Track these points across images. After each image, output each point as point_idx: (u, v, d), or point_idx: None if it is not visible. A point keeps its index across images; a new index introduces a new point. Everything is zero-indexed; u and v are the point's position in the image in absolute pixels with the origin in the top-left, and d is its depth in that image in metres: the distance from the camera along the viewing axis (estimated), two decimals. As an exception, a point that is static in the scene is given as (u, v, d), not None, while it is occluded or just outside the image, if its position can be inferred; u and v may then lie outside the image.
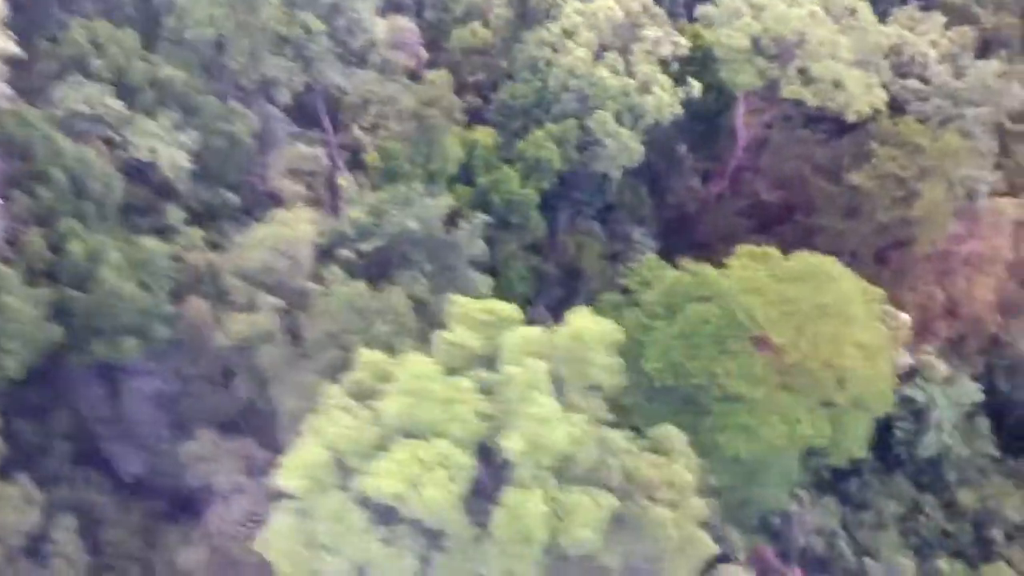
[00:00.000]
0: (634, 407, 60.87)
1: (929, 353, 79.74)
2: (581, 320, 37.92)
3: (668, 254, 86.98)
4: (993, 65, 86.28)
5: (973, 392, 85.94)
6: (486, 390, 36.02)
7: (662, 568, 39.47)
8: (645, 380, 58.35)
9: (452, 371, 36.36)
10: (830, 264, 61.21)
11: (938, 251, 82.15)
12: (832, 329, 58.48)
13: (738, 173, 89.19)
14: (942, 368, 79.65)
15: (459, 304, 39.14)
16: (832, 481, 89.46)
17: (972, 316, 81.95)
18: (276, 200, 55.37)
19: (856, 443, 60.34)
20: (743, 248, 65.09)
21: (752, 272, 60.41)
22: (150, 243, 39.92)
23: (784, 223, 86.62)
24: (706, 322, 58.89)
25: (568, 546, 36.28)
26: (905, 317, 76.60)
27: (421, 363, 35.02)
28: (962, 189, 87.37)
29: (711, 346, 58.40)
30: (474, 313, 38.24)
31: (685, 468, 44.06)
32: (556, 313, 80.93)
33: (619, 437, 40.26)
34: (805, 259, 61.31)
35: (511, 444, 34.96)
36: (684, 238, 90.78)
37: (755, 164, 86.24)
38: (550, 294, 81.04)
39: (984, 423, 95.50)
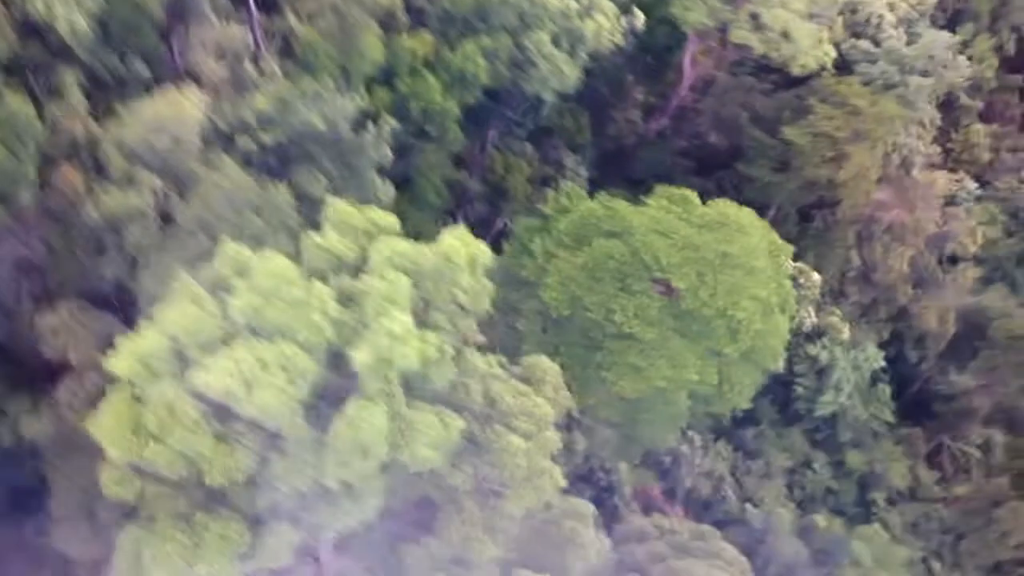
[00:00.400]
0: (528, 334, 60.48)
1: (836, 315, 79.92)
2: (452, 239, 37.03)
3: (601, 185, 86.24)
4: (945, 36, 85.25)
5: (875, 357, 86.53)
6: (346, 299, 35.11)
7: (509, 495, 39.26)
8: (543, 309, 57.84)
9: (315, 275, 35.38)
10: (744, 215, 60.52)
11: (862, 216, 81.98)
12: (733, 280, 57.98)
13: (681, 112, 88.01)
14: (846, 331, 79.92)
15: (335, 208, 38.01)
16: (730, 428, 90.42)
17: (885, 284, 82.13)
18: (195, 78, 53.42)
19: (742, 395, 60.33)
20: (662, 189, 64.26)
21: (665, 214, 59.66)
22: (16, 102, 38.14)
23: (719, 169, 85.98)
24: (610, 258, 58.21)
25: (410, 463, 35.86)
26: (817, 277, 76.51)
27: (278, 262, 33.91)
28: (898, 157, 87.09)
29: (611, 283, 57.79)
30: (350, 218, 37.14)
31: (554, 400, 43.65)
32: (477, 230, 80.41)
33: (483, 361, 39.72)
34: (719, 207, 60.58)
35: (359, 356, 34.22)
36: (619, 172, 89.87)
37: (698, 106, 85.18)
38: (474, 211, 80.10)
39: (885, 389, 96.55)
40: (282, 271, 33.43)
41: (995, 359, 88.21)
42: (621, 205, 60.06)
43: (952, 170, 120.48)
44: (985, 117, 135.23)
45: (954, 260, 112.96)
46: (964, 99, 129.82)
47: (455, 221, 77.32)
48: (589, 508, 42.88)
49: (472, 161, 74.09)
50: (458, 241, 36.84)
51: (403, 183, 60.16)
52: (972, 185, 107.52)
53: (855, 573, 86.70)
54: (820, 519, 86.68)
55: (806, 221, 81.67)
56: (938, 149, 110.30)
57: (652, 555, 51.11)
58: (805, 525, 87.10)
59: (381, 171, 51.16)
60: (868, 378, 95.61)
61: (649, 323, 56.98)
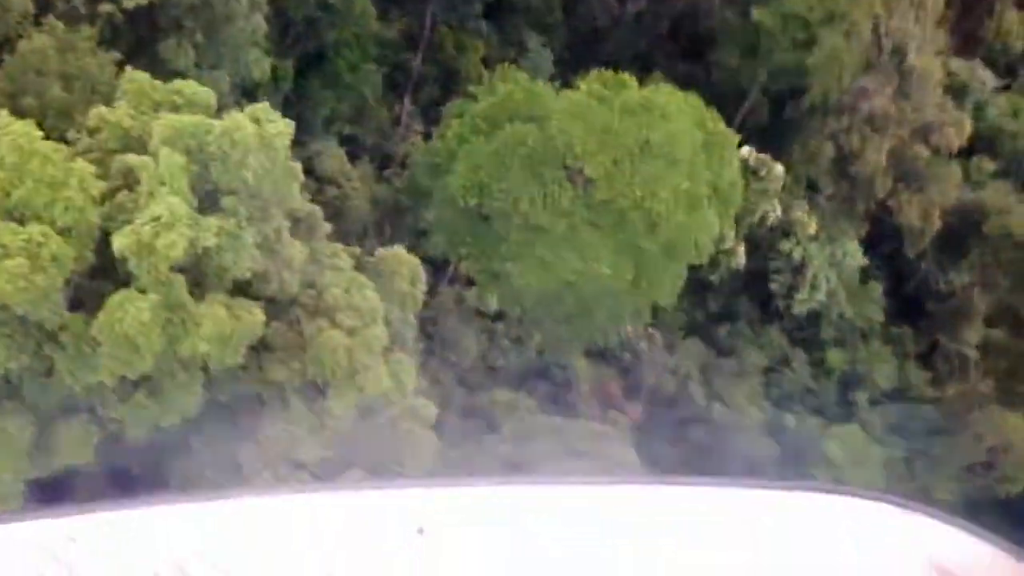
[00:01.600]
0: (437, 223, 56.83)
1: (803, 209, 74.70)
2: (240, 119, 33.29)
3: (571, 69, 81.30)
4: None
5: (854, 254, 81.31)
6: (123, 179, 31.88)
7: (331, 393, 36.27)
8: (452, 197, 54.02)
9: (99, 152, 32.08)
10: (673, 100, 55.53)
11: (841, 105, 76.03)
12: (652, 170, 53.44)
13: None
14: (813, 226, 74.69)
15: (130, 78, 34.49)
16: (704, 325, 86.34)
17: (862, 177, 76.47)
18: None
19: (662, 291, 56.15)
20: (596, 72, 59.46)
21: (587, 98, 55.05)
22: None
23: (693, 55, 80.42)
24: (523, 143, 53.89)
25: (192, 357, 32.91)
26: (780, 169, 71.25)
27: (23, 134, 30.45)
28: (889, 42, 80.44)
29: (522, 170, 53.59)
30: (151, 90, 33.64)
31: (408, 294, 40.29)
32: (427, 113, 76.30)
33: (301, 251, 36.22)
34: (645, 92, 55.70)
35: (117, 242, 31.07)
36: (591, 55, 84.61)
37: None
38: (423, 93, 75.84)
39: (876, 287, 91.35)
40: (31, 146, 30.16)
41: (987, 257, 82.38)
42: (539, 87, 55.47)
43: (966, 57, 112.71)
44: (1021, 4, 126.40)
45: (969, 152, 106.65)
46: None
47: (400, 104, 73.40)
48: (431, 409, 39.66)
49: (420, 40, 69.56)
50: (247, 120, 33.15)
51: (315, 61, 56.39)
52: (987, 75, 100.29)
53: (828, 472, 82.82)
54: (791, 418, 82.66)
55: (778, 109, 75.95)
56: (946, 36, 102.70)
57: (542, 454, 48.07)
58: (776, 424, 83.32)
59: (258, 46, 47.20)
60: (856, 276, 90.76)
61: (560, 214, 52.90)
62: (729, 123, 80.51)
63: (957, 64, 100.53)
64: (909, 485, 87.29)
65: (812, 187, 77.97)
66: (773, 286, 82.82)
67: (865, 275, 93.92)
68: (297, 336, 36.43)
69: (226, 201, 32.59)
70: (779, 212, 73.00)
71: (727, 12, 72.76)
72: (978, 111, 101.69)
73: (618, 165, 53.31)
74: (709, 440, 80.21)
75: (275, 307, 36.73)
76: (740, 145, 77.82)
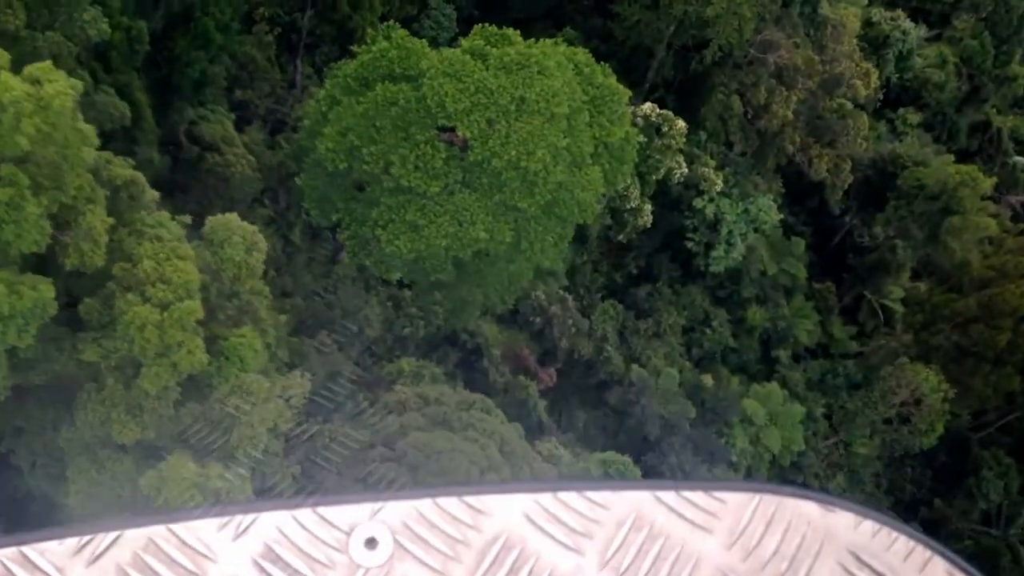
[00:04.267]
0: (307, 189, 53.73)
1: (708, 165, 71.79)
2: (8, 80, 30.09)
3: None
4: None
5: (768, 209, 78.62)
6: None
7: (143, 371, 33.37)
8: (318, 160, 50.85)
9: None
10: (552, 55, 52.31)
11: (747, 58, 73.02)
12: (529, 128, 50.36)
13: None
14: (719, 182, 71.81)
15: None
16: (623, 286, 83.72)
17: (770, 132, 73.61)
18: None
19: (545, 252, 53.19)
20: (479, 28, 56.22)
21: (462, 55, 51.84)
22: None
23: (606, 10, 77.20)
24: (393, 104, 50.66)
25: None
26: (682, 124, 68.21)
27: None
28: (798, -7, 77.29)
29: (393, 132, 50.40)
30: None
31: (243, 263, 37.27)
32: (324, 74, 72.79)
33: (104, 221, 33.13)
34: (525, 47, 52.48)
35: None
36: (501, 13, 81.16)
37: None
38: (320, 53, 72.41)
39: (800, 243, 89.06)
40: None
41: (902, 210, 79.82)
42: (414, 44, 52.17)
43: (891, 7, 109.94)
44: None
45: (896, 103, 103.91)
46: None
47: (294, 66, 69.93)
48: (263, 384, 36.74)
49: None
50: (17, 79, 29.94)
51: (181, 22, 52.88)
52: (908, 24, 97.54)
53: (746, 431, 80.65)
54: (707, 378, 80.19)
55: (683, 63, 72.84)
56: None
57: (403, 427, 45.28)
58: (695, 384, 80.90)
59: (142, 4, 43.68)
60: (778, 232, 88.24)
61: (432, 176, 49.80)
62: (639, 79, 77.67)
63: (878, 14, 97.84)
64: (828, 441, 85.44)
65: (725, 143, 75.09)
66: (689, 244, 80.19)
67: (789, 231, 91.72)
68: (110, 312, 33.47)
69: (2, 170, 29.54)
70: (685, 169, 70.12)
71: (628, -35, 69.42)
72: (902, 62, 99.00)
73: (493, 124, 50.25)
74: (626, 403, 77.90)
75: (86, 281, 33.74)
76: (645, 100, 75.04)
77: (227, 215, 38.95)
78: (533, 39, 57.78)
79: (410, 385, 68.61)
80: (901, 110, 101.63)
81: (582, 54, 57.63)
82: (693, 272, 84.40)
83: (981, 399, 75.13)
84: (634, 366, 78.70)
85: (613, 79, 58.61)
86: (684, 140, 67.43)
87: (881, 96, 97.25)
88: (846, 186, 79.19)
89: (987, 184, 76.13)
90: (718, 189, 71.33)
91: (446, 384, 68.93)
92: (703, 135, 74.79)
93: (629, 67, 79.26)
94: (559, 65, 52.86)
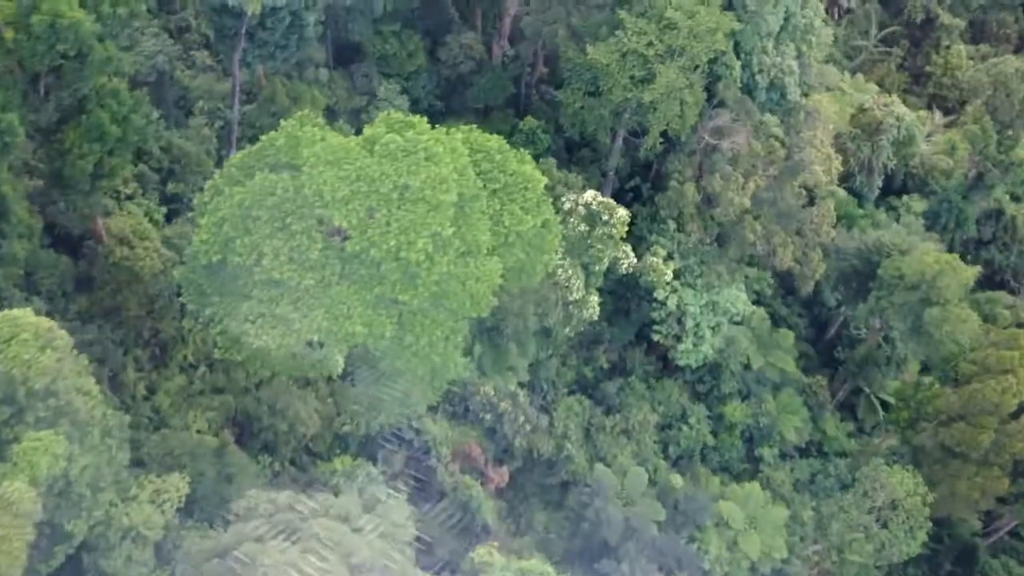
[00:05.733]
0: (184, 281, 50.54)
1: (658, 254, 66.92)
2: None
3: (444, 115, 75.30)
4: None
5: (736, 300, 73.18)
6: None
7: None
8: (194, 252, 47.72)
9: None
10: (441, 143, 48.57)
11: (702, 145, 68.67)
12: (411, 217, 46.49)
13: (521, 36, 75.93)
14: (668, 272, 66.77)
15: None
16: (594, 382, 78.68)
17: (727, 220, 68.68)
18: None
19: (434, 347, 48.84)
20: (383, 115, 53.07)
21: (347, 142, 48.55)
22: None
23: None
24: (271, 194, 47.44)
25: None
26: (623, 212, 63.78)
27: None
28: (764, 79, 73.11)
29: (270, 222, 46.95)
30: None
31: (27, 362, 33.94)
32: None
33: None
34: (411, 134, 48.91)
35: None
36: (462, 103, 78.54)
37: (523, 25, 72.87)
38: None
39: (787, 335, 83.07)
40: None
41: (883, 300, 73.55)
42: (305, 132, 49.04)
43: (911, 95, 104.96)
44: (975, 37, 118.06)
45: (904, 191, 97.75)
46: (945, 17, 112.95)
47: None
48: (27, 494, 32.93)
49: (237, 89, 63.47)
50: None
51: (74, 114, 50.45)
52: (902, 110, 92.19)
53: (721, 536, 74.13)
54: (677, 478, 74.08)
55: (632, 149, 68.68)
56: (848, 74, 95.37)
57: (241, 536, 41.00)
58: (666, 485, 74.87)
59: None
60: (766, 324, 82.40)
61: (308, 268, 46.18)
62: (589, 166, 73.76)
63: (871, 100, 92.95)
64: (818, 545, 78.24)
65: (681, 231, 70.23)
66: (656, 337, 75.03)
67: (781, 322, 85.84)
68: None
69: None
70: (633, 259, 65.44)
71: (571, 49, 65.90)
72: (904, 148, 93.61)
73: (372, 213, 46.68)
74: (586, 504, 72.27)
75: None
76: (620, 189, 71.10)
77: (15, 311, 35.87)
78: (448, 126, 54.79)
79: (345, 485, 64.59)
80: (905, 197, 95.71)
81: (495, 141, 53.92)
82: (671, 366, 78.97)
83: (968, 503, 67.62)
84: (598, 465, 73.13)
85: (529, 166, 54.65)
86: (626, 229, 62.97)
87: (880, 183, 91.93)
88: (816, 276, 73.42)
89: (970, 274, 69.65)
90: (667, 279, 66.36)
91: (383, 485, 64.69)
92: (655, 224, 70.35)
93: (570, 153, 75.67)
94: (453, 151, 49.25)
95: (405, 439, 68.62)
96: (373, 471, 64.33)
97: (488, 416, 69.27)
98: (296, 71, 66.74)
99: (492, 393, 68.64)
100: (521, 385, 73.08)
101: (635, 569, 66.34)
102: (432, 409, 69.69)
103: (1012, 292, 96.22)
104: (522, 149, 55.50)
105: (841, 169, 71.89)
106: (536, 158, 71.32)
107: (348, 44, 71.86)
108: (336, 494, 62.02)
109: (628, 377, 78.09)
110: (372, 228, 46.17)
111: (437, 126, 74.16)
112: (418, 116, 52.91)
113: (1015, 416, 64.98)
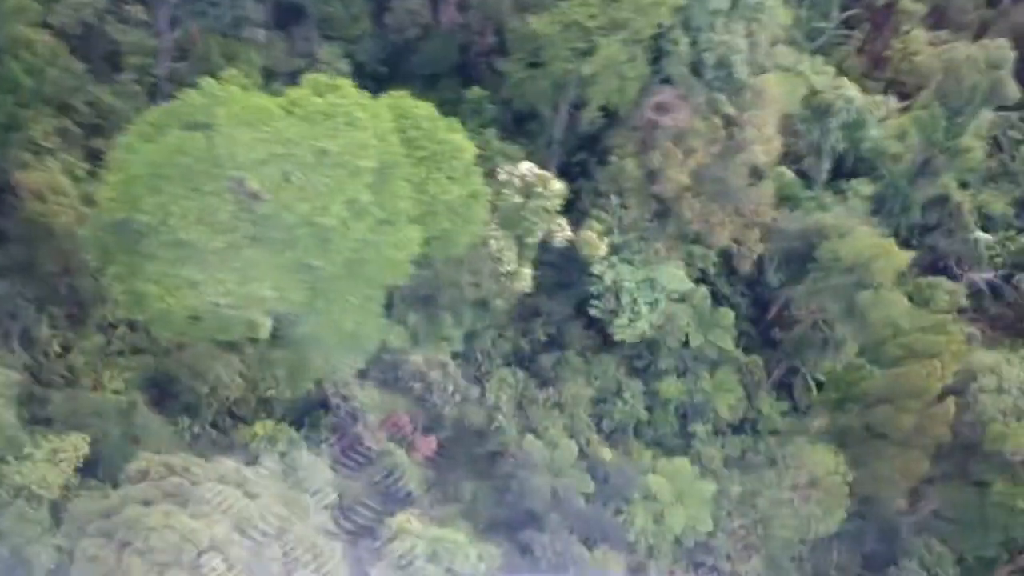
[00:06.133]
0: (91, 238, 49.20)
1: (594, 228, 65.97)
2: None
3: (389, 81, 73.72)
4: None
5: (673, 277, 72.36)
6: None
7: None
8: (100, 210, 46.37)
9: None
10: (364, 107, 47.28)
11: (645, 120, 67.56)
12: (328, 181, 45.25)
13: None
14: (602, 247, 65.81)
15: None
16: (530, 354, 77.86)
17: (666, 197, 67.76)
18: None
19: (349, 316, 47.75)
20: (311, 77, 51.66)
21: (267, 104, 47.19)
22: None
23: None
24: (182, 152, 46.14)
25: None
26: (558, 185, 62.72)
27: None
28: (711, 56, 71.92)
29: (180, 182, 45.73)
30: None
31: None
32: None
33: None
34: (334, 97, 47.51)
35: None
36: (407, 68, 76.90)
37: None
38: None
39: (727, 314, 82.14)
40: None
41: (819, 282, 72.98)
42: (220, 91, 47.53)
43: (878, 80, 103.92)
44: (937, 23, 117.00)
45: (855, 175, 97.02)
46: (906, 2, 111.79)
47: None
48: None
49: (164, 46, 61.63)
50: None
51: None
52: (853, 93, 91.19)
53: (648, 509, 73.59)
54: (606, 451, 73.60)
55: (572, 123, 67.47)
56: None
57: (126, 499, 39.98)
58: (595, 458, 74.34)
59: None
60: (707, 301, 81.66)
61: (218, 230, 44.95)
62: (537, 138, 72.47)
63: (823, 82, 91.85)
64: (744, 519, 78.05)
65: (621, 207, 69.12)
66: (593, 311, 74.17)
67: (724, 301, 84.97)
68: None
69: None
70: (568, 232, 64.45)
71: (515, 19, 64.48)
72: (855, 132, 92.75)
73: (288, 176, 45.42)
74: (513, 475, 71.66)
75: None
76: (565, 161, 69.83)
77: None
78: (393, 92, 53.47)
79: (266, 450, 63.64)
80: (853, 181, 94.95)
81: (424, 107, 52.69)
82: (610, 341, 78.19)
83: (890, 483, 67.45)
84: (528, 436, 72.45)
85: (459, 135, 53.51)
86: (564, 202, 61.92)
87: (829, 166, 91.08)
88: (754, 255, 72.66)
89: (903, 259, 69.11)
90: (601, 253, 65.39)
91: (304, 450, 63.76)
92: (598, 199, 69.25)
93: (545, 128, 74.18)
94: (376, 117, 47.92)
95: (332, 405, 67.70)
96: (295, 436, 63.45)
97: (417, 385, 68.33)
98: (232, 30, 64.88)
99: (422, 362, 67.64)
100: (456, 355, 72.15)
101: (556, 539, 65.80)
102: (362, 376, 68.81)
103: (955, 278, 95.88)
104: (468, 119, 54.17)
105: (781, 150, 70.83)
106: (482, 128, 70.48)
107: (291, 5, 69.98)
108: (256, 457, 61.26)
109: (565, 351, 77.22)
110: (286, 191, 44.90)
111: (382, 92, 73.00)
112: (344, 79, 51.45)
113: (938, 400, 64.69)
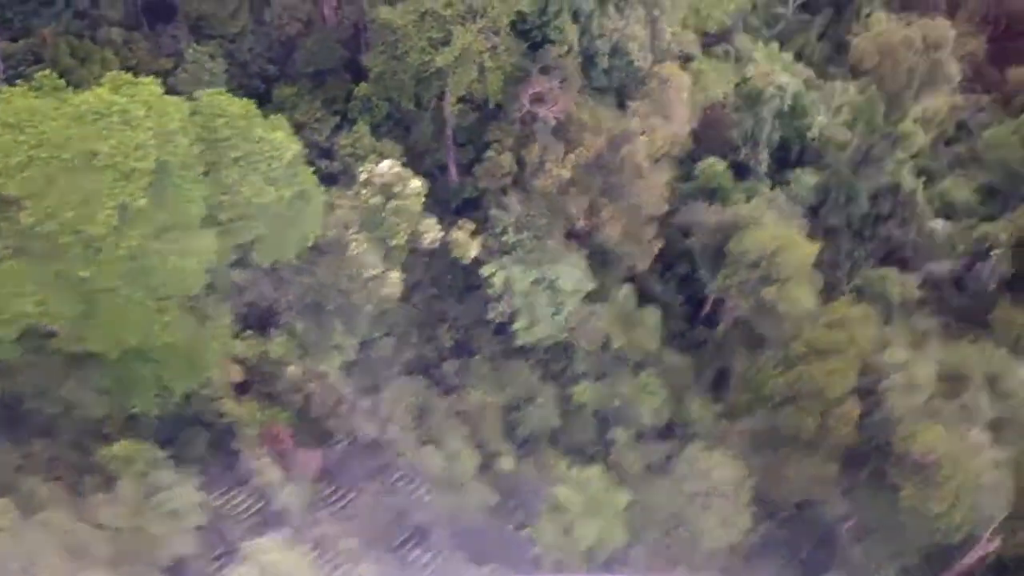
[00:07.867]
0: None
1: (464, 228, 60.22)
2: None
3: (279, 81, 69.34)
4: None
5: (568, 276, 66.39)
6: None
7: None
8: None
9: None
10: (165, 104, 42.18)
11: (523, 113, 61.80)
12: (94, 186, 40.34)
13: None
14: (473, 248, 60.05)
15: None
16: (434, 362, 72.26)
17: (544, 192, 61.85)
18: None
19: (127, 330, 42.51)
20: (112, 75, 46.85)
21: (37, 103, 42.48)
22: None
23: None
24: (-59, 159, 41.81)
25: None
26: (417, 184, 57.19)
27: None
28: (606, 44, 66.08)
29: (-61, 190, 41.47)
30: None
31: None
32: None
33: None
34: (109, 94, 42.61)
35: None
36: (291, 66, 71.85)
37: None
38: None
39: (652, 314, 75.83)
40: None
41: (729, 277, 66.57)
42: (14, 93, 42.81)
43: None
44: (904, 4, 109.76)
45: (801, 164, 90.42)
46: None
47: None
48: None
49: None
50: None
51: None
52: (784, 79, 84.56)
53: (556, 521, 67.57)
54: (509, 461, 67.63)
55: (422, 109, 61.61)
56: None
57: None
58: (499, 469, 68.53)
59: None
60: (632, 301, 75.51)
61: (-25, 242, 40.50)
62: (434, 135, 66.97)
63: (753, 70, 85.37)
64: (664, 529, 71.58)
65: (499, 205, 63.32)
66: (491, 315, 68.53)
67: (654, 300, 78.69)
68: None
69: None
70: (439, 233, 58.92)
71: (376, 11, 59.18)
72: (796, 120, 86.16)
73: (52, 181, 40.67)
74: (409, 489, 66.23)
75: None
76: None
77: None
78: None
79: (123, 471, 58.97)
80: (797, 171, 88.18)
81: (238, 105, 47.48)
82: (523, 346, 72.48)
83: (799, 489, 60.78)
84: (425, 448, 66.97)
85: (280, 133, 48.17)
86: (421, 201, 56.43)
87: (766, 156, 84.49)
88: (654, 251, 66.43)
89: (810, 251, 62.42)
90: (472, 255, 59.73)
91: (159, 470, 58.92)
92: (492, 196, 63.58)
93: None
94: (161, 116, 42.92)
95: (205, 421, 62.82)
96: (159, 455, 58.54)
97: (296, 397, 63.19)
98: (89, 31, 60.44)
99: (300, 374, 62.49)
100: (352, 364, 66.95)
101: (439, 557, 60.17)
102: (240, 390, 63.95)
103: (911, 269, 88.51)
104: (359, 116, 49.06)
105: (686, 140, 64.71)
106: (374, 126, 65.30)
107: (160, 3, 65.45)
108: (115, 479, 56.68)
109: (470, 357, 71.57)
110: (50, 198, 40.08)
111: (269, 91, 67.63)
112: (150, 78, 46.59)
113: (844, 400, 57.97)
